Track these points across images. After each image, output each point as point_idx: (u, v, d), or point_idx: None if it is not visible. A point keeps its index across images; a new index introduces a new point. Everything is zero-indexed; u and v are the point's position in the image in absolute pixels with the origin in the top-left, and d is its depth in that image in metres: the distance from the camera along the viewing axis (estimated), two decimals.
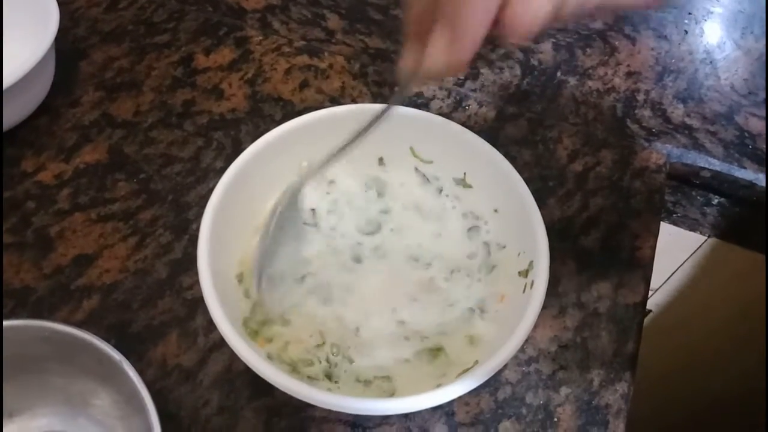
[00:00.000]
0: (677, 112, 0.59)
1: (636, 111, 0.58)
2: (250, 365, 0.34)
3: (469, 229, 0.44)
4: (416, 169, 0.46)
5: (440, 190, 0.46)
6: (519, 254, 0.41)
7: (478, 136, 0.44)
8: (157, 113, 0.54)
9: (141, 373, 0.41)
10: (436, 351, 0.39)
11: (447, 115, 0.55)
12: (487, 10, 0.26)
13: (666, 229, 0.64)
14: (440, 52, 0.28)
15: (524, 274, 0.40)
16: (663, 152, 0.56)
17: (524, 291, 0.38)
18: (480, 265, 0.43)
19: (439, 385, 0.34)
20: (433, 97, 0.57)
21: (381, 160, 0.47)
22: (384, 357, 0.39)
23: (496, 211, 0.44)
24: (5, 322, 0.35)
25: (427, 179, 0.46)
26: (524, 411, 0.42)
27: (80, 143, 0.52)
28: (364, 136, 0.36)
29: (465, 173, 0.45)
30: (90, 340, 0.36)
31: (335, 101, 0.55)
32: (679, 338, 0.72)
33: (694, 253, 0.68)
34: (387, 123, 0.36)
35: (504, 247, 0.43)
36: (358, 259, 0.43)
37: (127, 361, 0.35)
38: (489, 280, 0.42)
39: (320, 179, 0.46)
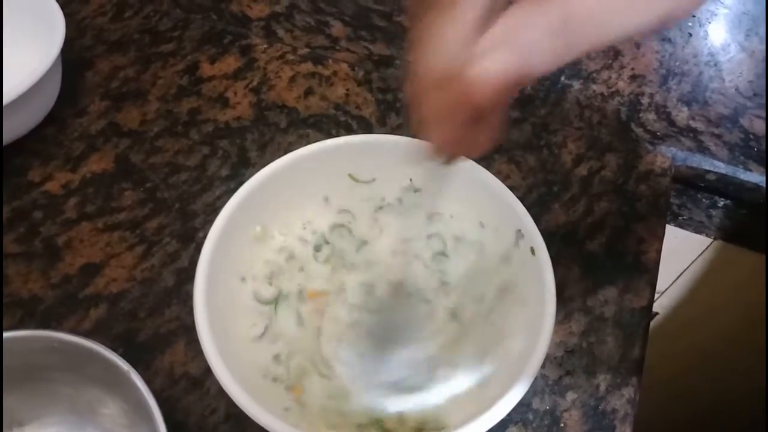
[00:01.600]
0: (682, 115, 0.59)
1: (640, 114, 0.58)
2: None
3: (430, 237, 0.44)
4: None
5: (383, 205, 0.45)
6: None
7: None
8: (163, 122, 0.54)
9: (148, 382, 0.41)
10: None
11: None
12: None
13: (672, 232, 0.64)
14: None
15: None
16: (668, 155, 0.56)
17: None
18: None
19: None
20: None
21: (326, 199, 0.45)
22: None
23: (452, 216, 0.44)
24: (13, 333, 0.36)
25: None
26: (530, 416, 0.42)
27: (87, 153, 0.52)
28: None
29: (411, 179, 0.45)
30: (97, 349, 0.36)
31: (340, 108, 0.56)
32: (685, 340, 0.72)
33: (700, 255, 0.68)
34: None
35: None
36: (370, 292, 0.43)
37: (135, 371, 0.35)
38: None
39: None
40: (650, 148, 0.56)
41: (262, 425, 0.33)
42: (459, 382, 0.38)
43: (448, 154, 0.26)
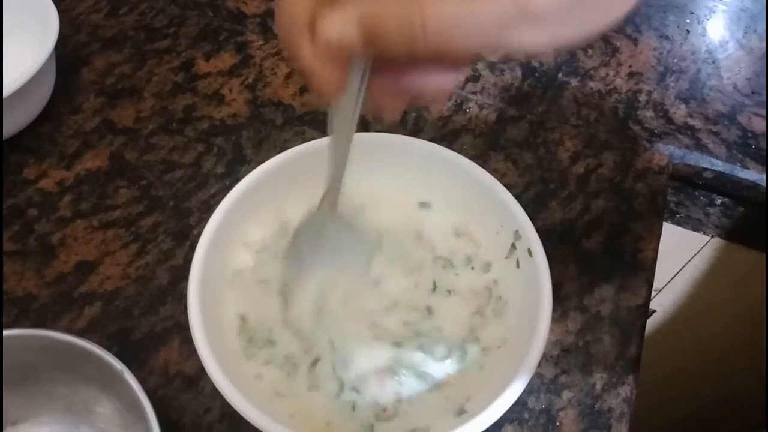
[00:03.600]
0: (679, 112, 0.58)
1: (638, 112, 0.58)
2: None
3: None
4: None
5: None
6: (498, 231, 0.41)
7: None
8: (158, 119, 0.54)
9: (143, 380, 0.41)
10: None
11: (447, 118, 0.55)
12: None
13: (669, 230, 0.64)
14: None
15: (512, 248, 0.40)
16: (665, 153, 0.55)
17: (518, 266, 0.39)
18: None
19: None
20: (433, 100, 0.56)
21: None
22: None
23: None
24: (8, 332, 0.36)
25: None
26: (526, 415, 0.42)
27: (81, 150, 0.52)
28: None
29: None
30: (91, 349, 0.36)
31: None
32: (682, 339, 0.72)
33: (697, 253, 0.68)
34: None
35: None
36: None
37: (129, 370, 0.35)
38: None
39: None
40: (648, 145, 0.56)
41: (256, 426, 0.33)
42: (454, 381, 0.38)
43: (327, 95, 0.26)
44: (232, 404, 0.33)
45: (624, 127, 0.57)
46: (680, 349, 0.72)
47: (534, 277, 0.38)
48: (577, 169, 0.53)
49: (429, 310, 0.41)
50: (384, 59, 0.24)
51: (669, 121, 0.58)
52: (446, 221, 0.44)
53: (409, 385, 0.38)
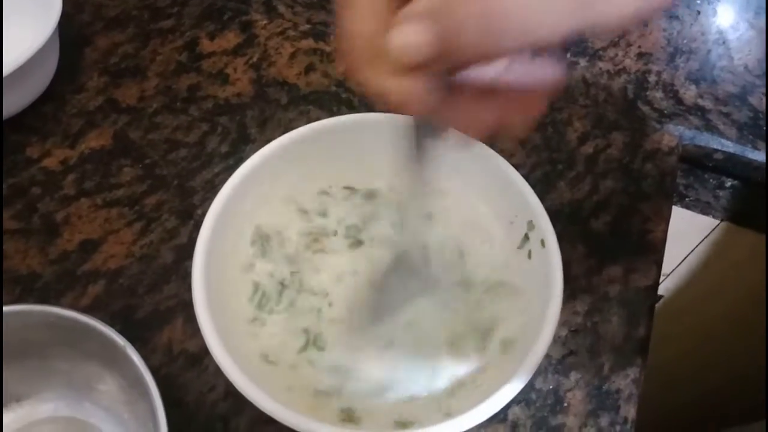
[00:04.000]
0: (689, 93, 0.58)
1: (647, 93, 0.57)
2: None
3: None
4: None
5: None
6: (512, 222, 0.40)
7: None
8: (162, 98, 0.53)
9: (146, 358, 0.41)
10: None
11: None
12: None
13: (678, 213, 0.63)
14: None
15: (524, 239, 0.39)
16: (675, 134, 0.55)
17: (530, 257, 0.38)
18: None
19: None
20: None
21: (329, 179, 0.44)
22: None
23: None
24: (9, 308, 0.35)
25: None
26: (533, 396, 0.41)
27: (85, 129, 0.51)
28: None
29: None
30: (94, 325, 0.36)
31: (341, 85, 0.55)
32: (690, 323, 0.71)
33: (706, 237, 0.67)
34: None
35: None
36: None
37: (132, 346, 0.35)
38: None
39: None
40: (657, 126, 0.55)
41: (260, 408, 0.32)
42: (461, 366, 0.38)
43: (411, 110, 0.24)
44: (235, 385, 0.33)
45: (633, 107, 0.56)
46: (687, 334, 0.71)
47: (546, 269, 0.37)
48: (586, 149, 0.53)
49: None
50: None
51: (679, 101, 0.57)
52: (458, 209, 0.43)
53: (408, 370, 0.38)
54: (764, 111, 0.57)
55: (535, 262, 0.38)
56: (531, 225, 0.39)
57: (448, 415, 0.33)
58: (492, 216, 0.42)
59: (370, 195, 0.44)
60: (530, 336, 0.35)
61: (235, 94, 0.54)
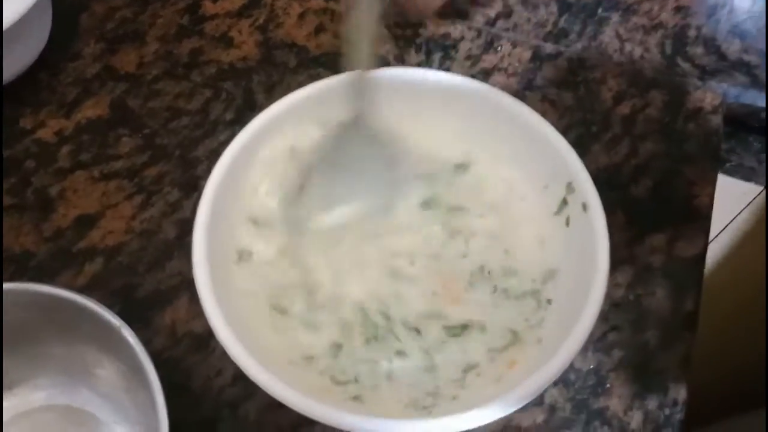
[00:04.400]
0: (733, 48, 0.53)
1: (687, 48, 0.53)
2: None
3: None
4: None
5: None
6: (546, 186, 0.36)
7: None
8: (162, 64, 0.50)
9: (148, 341, 0.38)
10: None
11: (477, 57, 0.51)
12: None
13: (719, 180, 0.59)
14: None
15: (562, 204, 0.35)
16: (718, 92, 0.50)
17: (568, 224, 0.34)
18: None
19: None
20: (462, 38, 0.51)
21: None
22: None
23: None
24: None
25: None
26: (572, 377, 0.37)
27: (81, 98, 0.48)
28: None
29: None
30: (86, 304, 0.32)
31: None
32: (733, 293, 0.67)
33: (748, 205, 0.63)
34: None
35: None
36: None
37: (128, 327, 0.32)
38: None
39: None
40: (699, 83, 0.50)
41: (270, 393, 0.29)
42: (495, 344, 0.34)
43: None
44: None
45: (672, 64, 0.52)
46: (727, 306, 0.67)
47: (588, 236, 0.33)
48: (622, 109, 0.48)
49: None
50: None
51: (721, 57, 0.52)
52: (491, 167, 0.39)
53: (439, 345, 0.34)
54: None
55: (574, 229, 0.34)
56: (570, 187, 0.35)
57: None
58: (522, 180, 0.38)
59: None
60: (571, 312, 0.31)
61: (240, 58, 0.50)
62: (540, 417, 0.37)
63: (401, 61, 0.50)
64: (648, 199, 0.44)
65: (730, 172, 0.60)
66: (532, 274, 0.35)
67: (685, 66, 0.52)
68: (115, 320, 0.32)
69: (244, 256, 0.36)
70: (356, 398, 0.32)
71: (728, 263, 0.67)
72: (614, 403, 0.37)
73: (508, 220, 0.37)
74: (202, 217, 0.33)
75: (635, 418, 0.37)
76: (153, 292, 0.40)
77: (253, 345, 0.31)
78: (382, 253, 0.36)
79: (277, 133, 0.37)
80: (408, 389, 0.32)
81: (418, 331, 0.34)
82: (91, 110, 0.47)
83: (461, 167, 0.39)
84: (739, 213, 0.63)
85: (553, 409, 0.37)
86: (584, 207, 0.34)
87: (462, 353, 0.33)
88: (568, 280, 0.34)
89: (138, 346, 0.31)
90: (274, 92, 0.48)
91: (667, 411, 0.37)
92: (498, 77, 0.49)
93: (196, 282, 0.32)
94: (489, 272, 0.35)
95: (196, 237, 0.33)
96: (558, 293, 0.34)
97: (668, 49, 0.52)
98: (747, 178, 0.60)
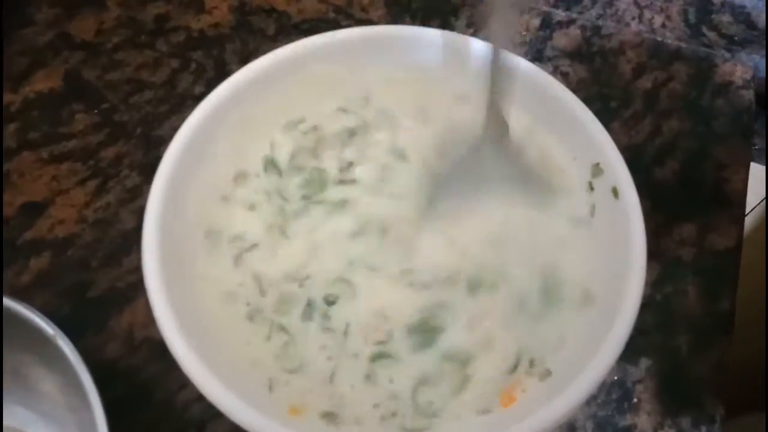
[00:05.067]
0: (764, 16, 0.48)
1: (713, 16, 0.47)
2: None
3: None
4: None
5: None
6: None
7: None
8: (124, 31, 0.44)
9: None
10: None
11: (479, 25, 0.45)
12: None
13: None
14: None
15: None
16: (749, 64, 0.45)
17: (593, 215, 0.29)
18: None
19: None
20: (462, 4, 0.46)
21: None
22: None
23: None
24: None
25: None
26: (595, 390, 0.32)
27: (31, 69, 0.42)
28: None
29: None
30: (17, 309, 0.27)
31: (341, 11, 0.45)
32: (753, 287, 0.62)
33: None
34: None
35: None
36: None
37: (64, 336, 0.26)
38: None
39: None
40: (727, 55, 0.45)
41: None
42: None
43: None
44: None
45: (697, 33, 0.46)
46: (750, 296, 0.62)
47: (620, 230, 0.27)
48: (643, 83, 0.43)
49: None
50: None
51: (751, 26, 0.47)
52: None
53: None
54: None
55: (601, 219, 0.29)
56: (597, 169, 0.29)
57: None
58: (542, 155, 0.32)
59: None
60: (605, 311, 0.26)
61: (211, 24, 0.44)
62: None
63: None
64: (675, 184, 0.39)
65: (753, 158, 0.55)
66: None
67: (711, 36, 0.46)
68: (49, 328, 0.26)
69: (212, 237, 0.31)
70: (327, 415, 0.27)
71: (749, 251, 0.62)
72: (642, 421, 0.32)
73: None
74: (156, 198, 0.28)
75: None
76: (108, 291, 0.35)
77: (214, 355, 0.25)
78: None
79: (251, 99, 0.32)
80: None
81: None
82: (42, 83, 0.42)
83: None
84: (760, 202, 0.58)
85: (572, 428, 0.31)
86: (615, 193, 0.28)
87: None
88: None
89: (74, 357, 0.26)
90: (250, 62, 0.42)
91: (703, 429, 0.32)
92: None
93: (145, 281, 0.26)
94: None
95: (148, 224, 0.28)
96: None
97: (692, 17, 0.47)
98: None
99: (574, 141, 0.30)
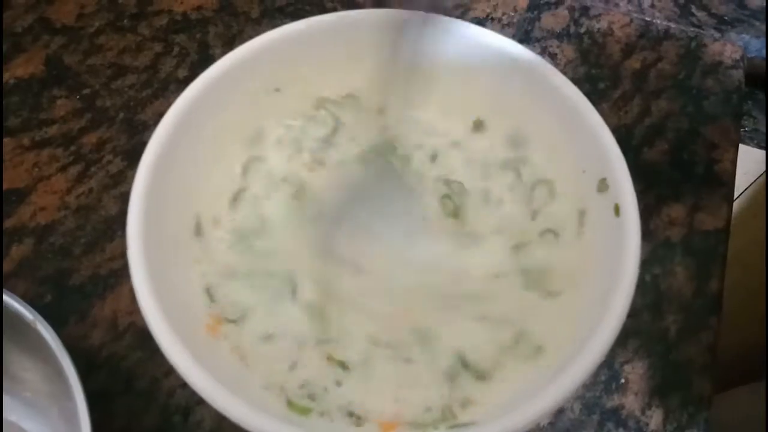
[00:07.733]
0: None
1: None
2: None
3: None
4: None
5: None
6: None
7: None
8: (106, 15, 0.43)
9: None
10: None
11: (467, 7, 0.44)
12: None
13: None
14: None
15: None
16: (739, 44, 0.44)
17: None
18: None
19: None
20: None
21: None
22: None
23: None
24: None
25: None
26: None
27: (11, 54, 0.42)
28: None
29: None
30: None
31: None
32: (741, 271, 0.62)
33: (763, 174, 0.57)
34: None
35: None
36: None
37: (44, 321, 0.26)
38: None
39: None
40: (716, 35, 0.45)
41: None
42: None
43: None
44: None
45: (686, 13, 0.46)
46: (739, 280, 0.62)
47: (618, 249, 0.26)
48: (632, 63, 0.43)
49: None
50: None
51: (741, 5, 0.47)
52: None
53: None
54: None
55: (597, 236, 0.28)
56: (603, 184, 0.29)
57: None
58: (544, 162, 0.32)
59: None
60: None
61: (194, 7, 0.44)
62: (544, 419, 0.31)
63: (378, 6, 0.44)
64: (664, 164, 0.39)
65: (744, 140, 0.54)
66: None
67: (701, 15, 0.46)
68: (29, 313, 0.26)
69: (198, 222, 0.30)
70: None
71: (739, 235, 0.62)
72: (630, 401, 0.32)
73: None
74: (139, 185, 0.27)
75: (654, 418, 0.32)
76: (91, 278, 0.34)
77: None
78: None
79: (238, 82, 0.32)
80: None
81: None
82: (22, 68, 0.41)
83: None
84: (754, 182, 0.58)
85: (560, 409, 0.31)
86: (616, 210, 0.27)
87: None
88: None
89: (56, 344, 0.25)
90: (233, 46, 0.42)
91: (691, 409, 0.32)
92: (491, 28, 0.43)
93: (130, 268, 0.26)
94: None
95: (132, 211, 0.27)
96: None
97: None
98: (763, 146, 0.54)
99: (583, 153, 0.30)
